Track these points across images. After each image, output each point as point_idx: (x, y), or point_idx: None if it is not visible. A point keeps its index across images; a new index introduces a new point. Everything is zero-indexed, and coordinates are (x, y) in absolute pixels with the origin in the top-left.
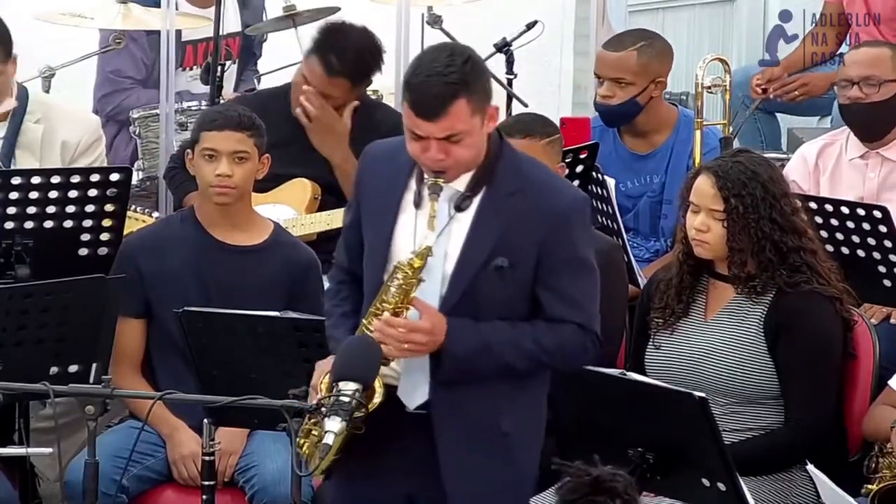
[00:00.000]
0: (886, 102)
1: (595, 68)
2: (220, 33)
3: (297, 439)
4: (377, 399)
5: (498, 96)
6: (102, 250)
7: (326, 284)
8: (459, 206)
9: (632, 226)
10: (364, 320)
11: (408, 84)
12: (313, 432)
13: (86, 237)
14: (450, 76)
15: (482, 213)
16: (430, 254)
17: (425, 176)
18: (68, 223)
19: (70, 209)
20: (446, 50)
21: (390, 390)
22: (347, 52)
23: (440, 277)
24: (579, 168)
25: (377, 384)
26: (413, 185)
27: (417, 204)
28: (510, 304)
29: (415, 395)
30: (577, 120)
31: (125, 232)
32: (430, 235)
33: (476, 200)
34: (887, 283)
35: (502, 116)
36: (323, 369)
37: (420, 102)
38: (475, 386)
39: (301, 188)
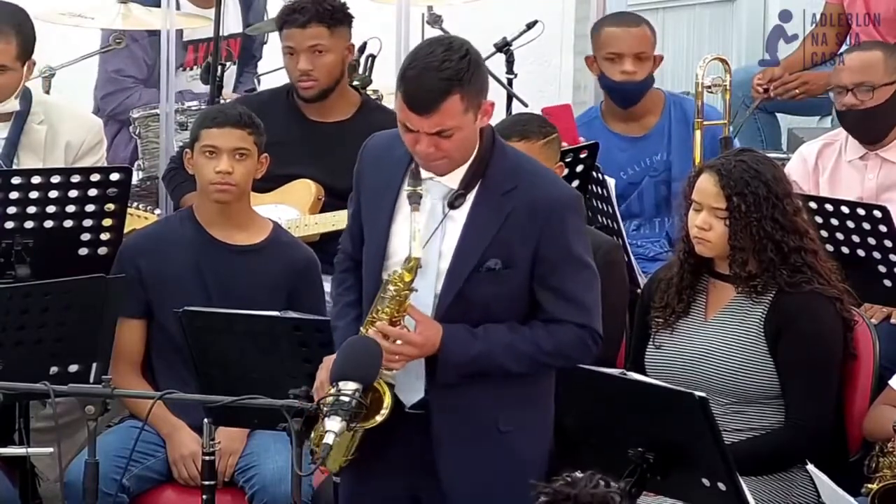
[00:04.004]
0: (882, 106)
1: (611, 48)
2: (222, 34)
3: (310, 443)
4: (385, 409)
5: (498, 96)
6: (102, 250)
7: (327, 286)
8: (453, 204)
9: (637, 210)
10: (362, 329)
11: (402, 76)
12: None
13: (86, 237)
14: (445, 71)
15: (476, 212)
16: (420, 265)
17: (420, 172)
18: (68, 223)
19: (70, 209)
20: (443, 44)
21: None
22: (305, 3)
23: (435, 274)
24: (579, 168)
25: (386, 393)
26: (409, 180)
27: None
28: (506, 304)
29: (411, 393)
30: (558, 108)
31: (127, 229)
32: (416, 248)
33: (470, 198)
34: (887, 283)
35: (502, 116)
36: (327, 366)
37: (412, 96)
38: (471, 386)
39: (305, 189)
